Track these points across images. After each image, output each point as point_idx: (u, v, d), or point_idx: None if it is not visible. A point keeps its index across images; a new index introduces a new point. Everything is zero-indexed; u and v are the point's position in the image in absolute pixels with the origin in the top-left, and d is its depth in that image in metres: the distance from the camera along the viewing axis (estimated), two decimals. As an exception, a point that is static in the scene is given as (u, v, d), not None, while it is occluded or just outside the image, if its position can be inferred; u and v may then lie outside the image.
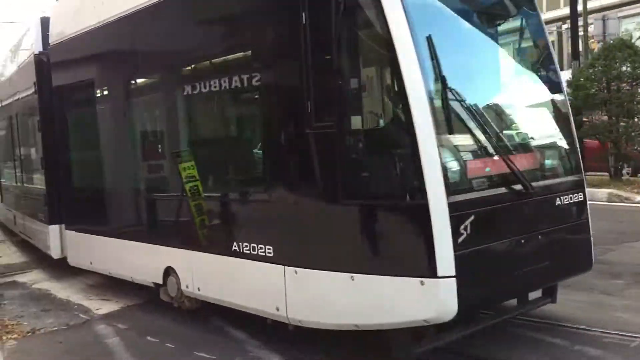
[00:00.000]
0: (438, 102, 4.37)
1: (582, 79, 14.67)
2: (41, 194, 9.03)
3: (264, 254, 5.02)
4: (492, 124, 4.74)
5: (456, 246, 4.05)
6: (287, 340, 5.25)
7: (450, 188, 4.13)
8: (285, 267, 4.84)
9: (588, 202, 5.30)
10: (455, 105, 4.49)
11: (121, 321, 6.47)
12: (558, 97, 5.56)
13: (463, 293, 4.04)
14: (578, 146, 5.47)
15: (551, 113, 5.56)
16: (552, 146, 5.37)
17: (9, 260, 10.53)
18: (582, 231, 5.25)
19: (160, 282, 6.47)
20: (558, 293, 5.46)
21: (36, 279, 8.93)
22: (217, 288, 5.73)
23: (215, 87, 5.68)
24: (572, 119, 5.58)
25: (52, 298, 7.81)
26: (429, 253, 4.02)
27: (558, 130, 5.47)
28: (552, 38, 34.07)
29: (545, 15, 33.52)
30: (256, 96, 5.32)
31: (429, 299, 4.06)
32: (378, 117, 4.50)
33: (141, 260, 6.81)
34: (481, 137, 4.55)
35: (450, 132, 4.47)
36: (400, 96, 4.19)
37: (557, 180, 5.16)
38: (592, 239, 5.30)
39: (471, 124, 4.56)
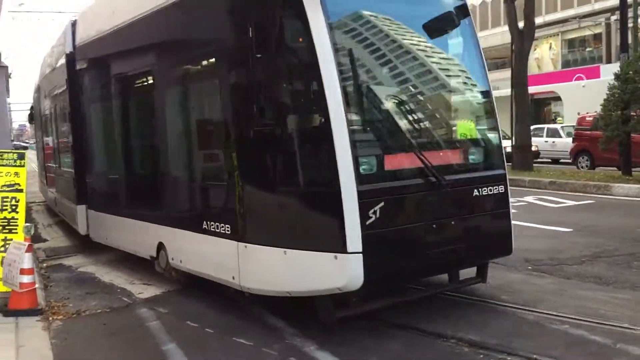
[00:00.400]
0: (354, 106, 5.13)
1: (630, 72, 14.29)
2: (72, 177, 10.06)
3: (224, 231, 5.86)
4: (407, 122, 5.41)
5: (364, 227, 4.81)
6: (324, 329, 5.31)
7: (361, 178, 4.86)
8: (238, 242, 5.64)
9: (510, 194, 5.93)
10: (370, 106, 5.31)
11: (162, 305, 6.62)
12: (483, 95, 6.14)
13: (369, 267, 4.79)
14: (502, 143, 6.10)
15: (474, 112, 6.13)
16: (474, 143, 5.90)
17: (55, 243, 10.85)
18: (502, 219, 5.89)
19: (155, 255, 7.37)
20: (601, 291, 5.33)
21: (81, 263, 9.19)
22: (193, 260, 6.60)
23: (180, 90, 6.75)
24: (498, 118, 6.11)
25: (97, 281, 8.02)
26: (341, 232, 4.78)
27: (480, 128, 6.03)
28: (599, 30, 33.13)
29: (594, 6, 32.75)
30: (216, 98, 6.06)
31: (340, 270, 4.81)
32: (305, 118, 5.19)
33: (141, 237, 7.80)
34: (395, 134, 5.32)
35: (365, 130, 5.21)
36: (322, 101, 4.88)
37: (477, 174, 5.75)
38: (512, 226, 5.93)
39: (386, 123, 5.35)
